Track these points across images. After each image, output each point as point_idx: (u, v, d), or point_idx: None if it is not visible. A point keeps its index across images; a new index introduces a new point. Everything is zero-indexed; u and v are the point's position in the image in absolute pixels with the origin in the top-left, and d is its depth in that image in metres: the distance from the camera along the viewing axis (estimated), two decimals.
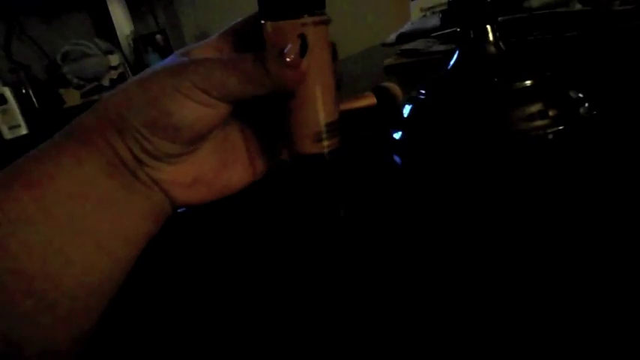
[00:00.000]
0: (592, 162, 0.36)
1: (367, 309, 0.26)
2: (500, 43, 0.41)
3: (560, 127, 0.37)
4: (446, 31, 0.96)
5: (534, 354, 0.21)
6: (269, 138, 0.33)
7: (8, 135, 1.87)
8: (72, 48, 2.09)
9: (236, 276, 0.33)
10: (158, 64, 0.28)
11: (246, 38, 0.30)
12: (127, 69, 2.18)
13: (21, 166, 0.25)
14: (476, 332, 0.23)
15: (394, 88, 0.57)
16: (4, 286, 0.23)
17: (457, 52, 0.42)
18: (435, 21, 1.06)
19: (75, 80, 2.08)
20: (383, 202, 0.38)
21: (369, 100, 0.57)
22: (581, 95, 0.39)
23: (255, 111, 0.32)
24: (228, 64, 0.26)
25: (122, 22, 2.24)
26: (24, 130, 1.89)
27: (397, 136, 0.43)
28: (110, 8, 2.18)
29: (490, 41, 0.41)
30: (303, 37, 0.27)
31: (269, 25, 0.28)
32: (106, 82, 2.12)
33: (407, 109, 0.43)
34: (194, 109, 0.26)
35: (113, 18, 2.20)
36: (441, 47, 0.91)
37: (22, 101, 1.93)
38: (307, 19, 0.27)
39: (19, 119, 1.87)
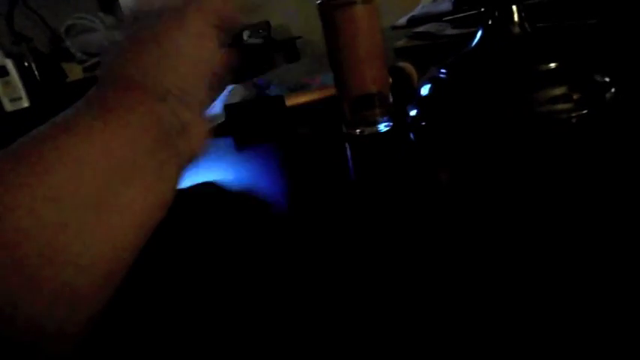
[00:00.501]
0: (615, 147, 0.35)
1: (378, 299, 0.26)
2: (526, 24, 0.40)
3: (584, 111, 0.36)
4: (458, 15, 0.95)
5: (536, 352, 0.20)
6: None
7: (9, 107, 1.86)
8: (76, 22, 2.07)
9: (236, 272, 0.33)
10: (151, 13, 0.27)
11: None
12: None
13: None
14: (490, 316, 0.22)
15: (409, 68, 0.56)
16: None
17: (480, 31, 0.42)
18: (446, 5, 1.05)
19: (78, 54, 2.06)
20: (395, 177, 0.38)
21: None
22: (607, 79, 0.38)
23: None
24: None
25: None
26: (25, 103, 1.87)
27: (414, 113, 0.43)
28: None
29: (515, 22, 0.40)
30: None
31: None
32: None
33: (426, 88, 0.42)
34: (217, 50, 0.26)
35: None
36: (454, 31, 0.90)
37: (24, 74, 1.90)
38: None
39: (21, 91, 1.85)
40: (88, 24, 2.05)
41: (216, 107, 0.65)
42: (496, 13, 0.40)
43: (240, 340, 0.25)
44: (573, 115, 0.36)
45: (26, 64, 1.95)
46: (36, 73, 1.99)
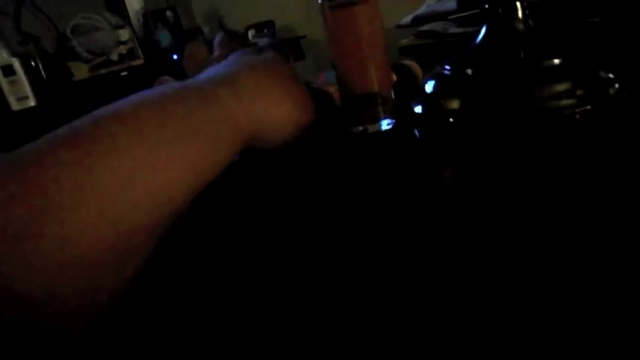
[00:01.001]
0: (619, 143, 0.35)
1: (382, 297, 0.26)
2: (530, 21, 0.40)
3: (588, 107, 0.37)
4: (463, 13, 0.95)
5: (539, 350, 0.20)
6: None
7: (16, 106, 1.86)
8: (81, 21, 2.07)
9: (237, 272, 0.33)
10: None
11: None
12: (137, 44, 2.16)
13: None
14: (496, 307, 0.22)
15: (414, 66, 0.56)
16: None
17: (484, 28, 0.42)
18: (451, 3, 1.05)
19: (84, 54, 2.07)
20: (398, 175, 0.38)
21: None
22: (611, 76, 0.38)
23: None
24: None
25: None
26: (32, 102, 1.88)
27: (418, 109, 0.43)
28: None
29: (519, 18, 0.40)
30: None
31: None
32: (114, 57, 2.11)
33: (430, 84, 0.42)
34: None
35: None
36: (459, 30, 0.90)
37: (31, 73, 1.91)
38: None
39: (28, 91, 1.86)
40: (94, 23, 2.06)
41: None
42: (500, 10, 0.40)
43: (241, 340, 0.25)
44: (577, 110, 0.36)
45: (33, 63, 1.96)
46: (42, 72, 1.99)
